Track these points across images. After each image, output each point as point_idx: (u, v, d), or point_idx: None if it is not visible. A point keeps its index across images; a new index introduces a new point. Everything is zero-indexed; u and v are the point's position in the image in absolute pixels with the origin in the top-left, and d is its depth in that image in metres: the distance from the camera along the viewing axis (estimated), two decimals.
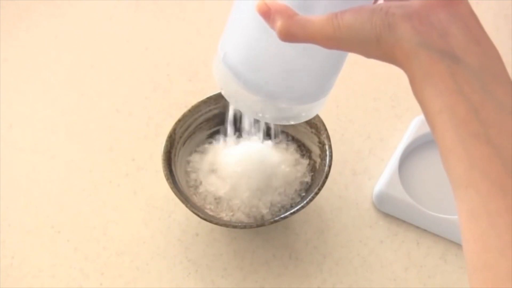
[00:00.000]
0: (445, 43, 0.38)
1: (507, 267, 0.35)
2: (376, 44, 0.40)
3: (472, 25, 0.39)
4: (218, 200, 0.66)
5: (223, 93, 0.49)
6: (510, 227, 0.35)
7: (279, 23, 0.41)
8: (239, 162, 0.65)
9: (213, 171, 0.67)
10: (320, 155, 0.67)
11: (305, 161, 0.68)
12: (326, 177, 0.64)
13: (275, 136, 0.69)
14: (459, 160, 0.37)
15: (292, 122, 0.50)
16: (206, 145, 0.70)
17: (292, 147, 0.69)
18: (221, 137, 0.69)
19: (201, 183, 0.67)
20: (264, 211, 0.64)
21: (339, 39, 0.40)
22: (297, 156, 0.69)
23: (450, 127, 0.37)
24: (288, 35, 0.41)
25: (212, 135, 0.71)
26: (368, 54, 0.42)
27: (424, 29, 0.38)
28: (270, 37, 0.43)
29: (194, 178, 0.68)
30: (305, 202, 0.63)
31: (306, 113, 0.50)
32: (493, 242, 0.36)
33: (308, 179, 0.67)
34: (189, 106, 0.69)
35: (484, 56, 0.38)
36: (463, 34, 0.38)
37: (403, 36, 0.39)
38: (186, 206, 0.63)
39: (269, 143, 0.68)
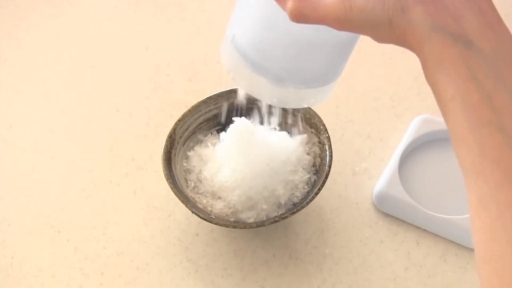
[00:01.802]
0: (459, 28, 0.37)
1: None
2: (388, 27, 0.39)
3: (486, 9, 0.38)
4: (217, 198, 0.66)
5: (230, 76, 0.48)
6: None
7: (290, 3, 0.40)
8: (238, 160, 0.65)
9: (212, 169, 0.67)
10: (320, 155, 0.67)
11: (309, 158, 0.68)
12: (326, 177, 0.64)
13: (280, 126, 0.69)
14: (470, 148, 0.37)
15: (300, 106, 0.49)
16: (206, 142, 0.70)
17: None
18: (221, 135, 0.69)
19: (200, 181, 0.67)
20: (264, 206, 0.64)
21: (351, 21, 0.39)
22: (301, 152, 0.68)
23: (462, 114, 0.37)
24: (299, 16, 0.40)
25: (212, 135, 0.71)
26: (380, 38, 0.40)
27: (437, 12, 0.37)
28: (280, 19, 0.42)
29: (192, 177, 0.67)
30: (305, 202, 0.63)
31: (315, 97, 0.49)
32: (501, 233, 0.35)
33: (312, 176, 0.67)
34: (189, 106, 0.69)
35: (498, 42, 0.38)
36: (477, 18, 0.38)
37: (415, 19, 0.38)
38: (186, 206, 0.63)
39: (272, 139, 0.68)
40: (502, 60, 0.37)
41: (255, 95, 0.48)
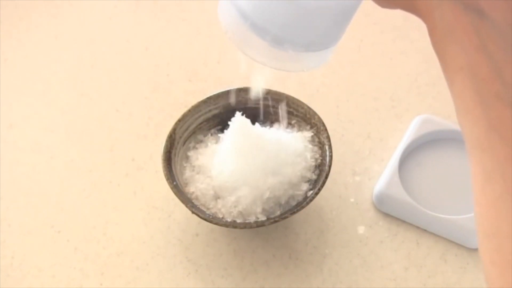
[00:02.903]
0: None
1: None
2: None
3: None
4: (217, 198, 0.66)
5: (228, 36, 0.47)
6: None
7: None
8: (238, 160, 0.65)
9: (212, 170, 0.67)
10: (320, 155, 0.67)
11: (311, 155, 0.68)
12: (326, 177, 0.64)
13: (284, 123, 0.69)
14: (477, 121, 0.36)
15: (298, 70, 0.48)
16: (206, 142, 0.70)
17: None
18: (221, 135, 0.69)
19: (199, 180, 0.67)
20: (264, 206, 0.64)
21: None
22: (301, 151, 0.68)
23: (470, 86, 0.36)
24: None
25: (212, 135, 0.71)
26: (387, 1, 0.39)
27: None
28: None
29: (190, 176, 0.67)
30: (305, 202, 0.63)
31: (314, 61, 0.48)
32: (508, 208, 0.34)
33: (312, 176, 0.67)
34: (189, 106, 0.69)
35: (510, 11, 0.36)
36: None
37: None
38: (186, 206, 0.63)
39: (272, 139, 0.67)
40: None
41: (253, 57, 0.47)
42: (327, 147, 0.66)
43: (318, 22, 0.45)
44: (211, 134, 0.71)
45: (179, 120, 0.68)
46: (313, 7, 0.44)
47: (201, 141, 0.70)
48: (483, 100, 0.35)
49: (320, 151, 0.67)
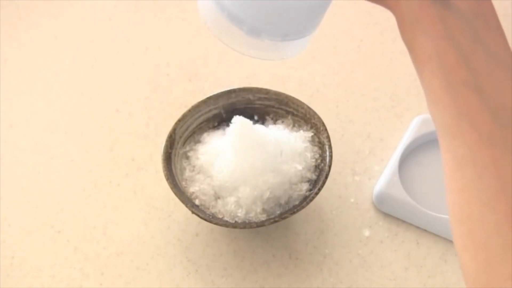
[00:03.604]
0: None
1: (494, 219, 0.34)
2: None
3: None
4: (217, 198, 0.66)
5: (207, 26, 0.47)
6: (497, 179, 0.34)
7: None
8: (238, 161, 0.65)
9: (212, 170, 0.67)
10: (320, 155, 0.67)
11: (311, 154, 0.68)
12: (326, 177, 0.64)
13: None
14: (446, 108, 0.36)
15: (276, 59, 0.49)
16: (206, 142, 0.70)
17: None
18: (221, 135, 0.69)
19: (199, 180, 0.67)
20: (264, 206, 0.64)
21: None
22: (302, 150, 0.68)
23: (439, 74, 0.36)
24: None
25: (212, 135, 0.71)
26: None
27: None
28: None
29: (190, 176, 0.67)
30: (305, 202, 0.63)
31: (291, 50, 0.48)
32: (478, 194, 0.35)
33: (312, 176, 0.67)
34: (189, 106, 0.69)
35: (476, 1, 0.37)
36: None
37: None
38: (186, 206, 0.63)
39: (272, 139, 0.67)
40: (480, 20, 0.37)
41: (232, 46, 0.48)
42: (327, 147, 0.66)
43: (294, 12, 0.45)
44: (211, 134, 0.71)
45: (179, 120, 0.68)
46: None
47: (201, 141, 0.70)
48: (451, 87, 0.36)
49: (320, 151, 0.67)
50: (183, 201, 0.63)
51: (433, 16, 0.36)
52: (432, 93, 0.37)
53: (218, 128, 0.71)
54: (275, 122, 0.70)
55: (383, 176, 0.70)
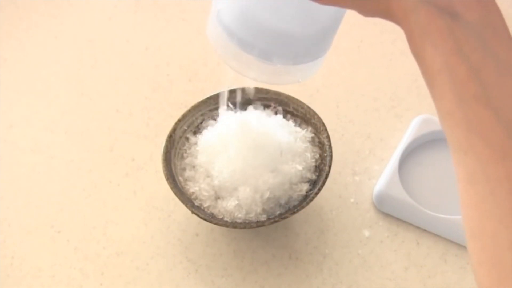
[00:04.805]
0: None
1: (507, 235, 0.34)
2: (373, 0, 0.39)
3: None
4: (217, 198, 0.66)
5: (217, 53, 0.47)
6: (510, 194, 0.34)
7: None
8: (238, 160, 0.65)
9: (212, 170, 0.67)
10: (320, 155, 0.67)
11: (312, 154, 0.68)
12: (326, 177, 0.64)
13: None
14: (458, 123, 0.36)
15: (288, 83, 0.49)
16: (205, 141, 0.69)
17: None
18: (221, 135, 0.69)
19: (199, 180, 0.67)
20: (264, 206, 0.64)
21: None
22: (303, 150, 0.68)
23: (449, 88, 0.36)
24: None
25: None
26: (365, 11, 0.40)
27: None
28: None
29: (190, 176, 0.67)
30: (305, 202, 0.63)
31: (302, 73, 0.48)
32: (492, 209, 0.34)
33: (312, 176, 0.67)
34: (189, 106, 0.69)
35: (484, 11, 0.37)
36: None
37: None
38: (186, 206, 0.63)
39: (272, 138, 0.67)
40: (489, 30, 0.37)
41: (244, 73, 0.48)
42: (327, 147, 0.66)
43: (303, 36, 0.45)
44: (212, 134, 0.70)
45: (179, 120, 0.68)
46: (296, 21, 0.44)
47: (201, 141, 0.70)
48: (462, 101, 0.36)
49: (320, 151, 0.67)
50: (183, 201, 0.63)
51: (442, 29, 0.36)
52: (443, 107, 0.37)
53: (218, 128, 0.71)
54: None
55: (383, 176, 0.70)
